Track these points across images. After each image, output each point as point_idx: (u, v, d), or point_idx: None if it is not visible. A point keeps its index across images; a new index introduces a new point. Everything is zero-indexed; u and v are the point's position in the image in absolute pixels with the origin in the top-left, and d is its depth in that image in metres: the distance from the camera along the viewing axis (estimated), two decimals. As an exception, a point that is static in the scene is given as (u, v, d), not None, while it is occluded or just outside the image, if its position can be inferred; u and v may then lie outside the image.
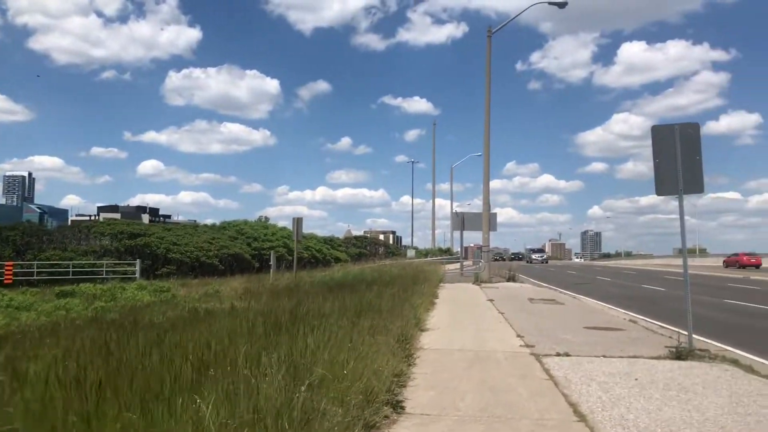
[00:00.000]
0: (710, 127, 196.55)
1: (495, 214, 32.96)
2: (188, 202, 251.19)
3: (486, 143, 31.46)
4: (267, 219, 66.79)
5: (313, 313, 8.79)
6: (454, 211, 55.90)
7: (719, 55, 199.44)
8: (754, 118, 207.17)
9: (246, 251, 49.23)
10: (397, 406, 5.76)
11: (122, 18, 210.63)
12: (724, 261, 62.98)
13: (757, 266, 55.97)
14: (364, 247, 77.95)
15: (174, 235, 45.97)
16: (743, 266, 56.15)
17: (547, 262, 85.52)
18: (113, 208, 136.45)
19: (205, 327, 7.77)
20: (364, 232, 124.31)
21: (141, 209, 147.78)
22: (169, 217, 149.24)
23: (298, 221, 28.83)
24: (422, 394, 6.35)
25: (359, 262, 55.05)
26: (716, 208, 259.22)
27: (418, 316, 11.96)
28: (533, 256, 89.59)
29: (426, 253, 75.88)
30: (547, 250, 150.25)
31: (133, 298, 21.57)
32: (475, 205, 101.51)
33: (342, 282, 16.99)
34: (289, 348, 5.89)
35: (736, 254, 62.14)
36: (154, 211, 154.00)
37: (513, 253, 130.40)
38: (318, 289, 14.23)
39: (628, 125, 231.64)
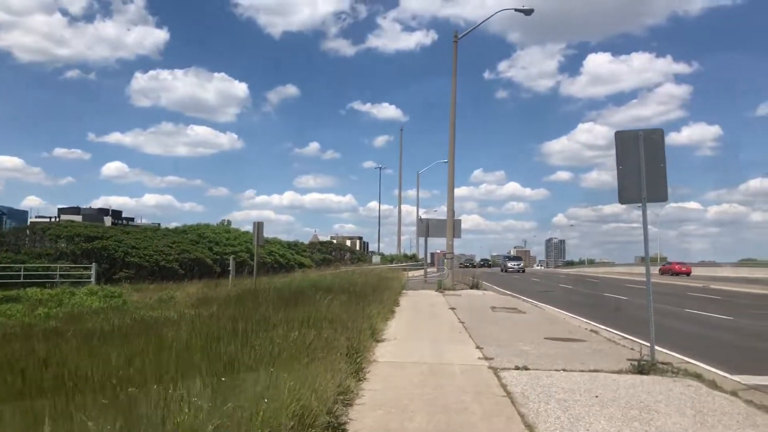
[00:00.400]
0: (672, 138, 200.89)
1: (459, 220, 32.56)
2: (152, 204, 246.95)
3: (451, 150, 31.22)
4: (229, 223, 65.76)
5: (259, 324, 8.22)
6: (419, 217, 55.54)
7: (682, 67, 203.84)
8: (714, 130, 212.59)
9: (207, 256, 48.14)
10: (338, 430, 5.26)
11: (88, 17, 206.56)
12: (660, 269, 68.10)
13: (688, 274, 63.24)
14: (329, 252, 77.14)
15: (133, 238, 44.69)
16: (675, 273, 63.47)
17: (524, 271, 77.56)
18: (75, 210, 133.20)
19: (143, 340, 7.12)
20: (331, 237, 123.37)
21: (103, 211, 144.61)
22: (132, 219, 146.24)
23: (258, 225, 28.14)
24: (368, 415, 5.86)
25: (324, 268, 54.33)
26: (678, 217, 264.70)
27: (374, 326, 11.47)
28: (509, 264, 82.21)
29: (391, 259, 75.49)
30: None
31: (81, 303, 20.59)
32: (441, 211, 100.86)
33: (299, 289, 16.40)
34: (218, 365, 5.32)
35: (669, 263, 72.05)
36: (116, 214, 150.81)
37: (482, 260, 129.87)
38: (273, 297, 13.63)
39: (593, 135, 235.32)
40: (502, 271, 77.71)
